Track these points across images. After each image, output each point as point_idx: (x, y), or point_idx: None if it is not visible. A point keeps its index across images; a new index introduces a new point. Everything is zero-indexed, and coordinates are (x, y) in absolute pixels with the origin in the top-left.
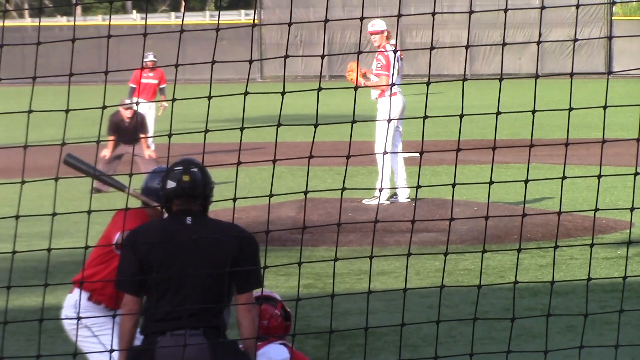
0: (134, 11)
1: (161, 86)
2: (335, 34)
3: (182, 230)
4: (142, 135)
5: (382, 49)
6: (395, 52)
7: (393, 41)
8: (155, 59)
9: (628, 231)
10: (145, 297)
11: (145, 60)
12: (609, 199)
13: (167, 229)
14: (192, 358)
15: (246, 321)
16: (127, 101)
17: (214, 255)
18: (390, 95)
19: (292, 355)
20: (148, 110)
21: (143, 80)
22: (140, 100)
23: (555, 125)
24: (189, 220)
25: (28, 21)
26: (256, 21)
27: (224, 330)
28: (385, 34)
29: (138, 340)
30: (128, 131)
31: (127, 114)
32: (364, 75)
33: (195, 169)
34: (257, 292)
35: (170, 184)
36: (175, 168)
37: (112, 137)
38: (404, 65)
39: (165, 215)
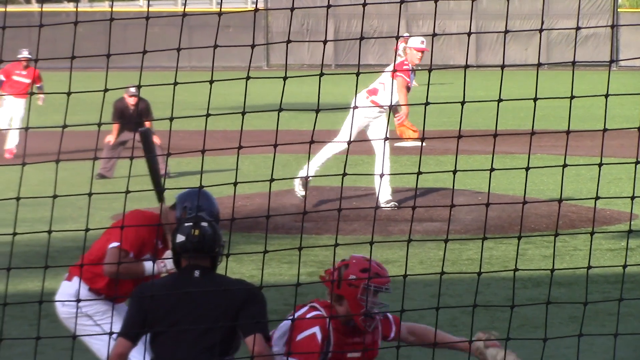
0: None
1: (38, 85)
2: (341, 23)
3: (189, 284)
4: (146, 121)
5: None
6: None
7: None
8: (29, 56)
9: (633, 223)
10: (151, 348)
11: (19, 56)
12: (613, 190)
13: (175, 283)
14: None
15: None
16: (132, 89)
17: (219, 308)
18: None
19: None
20: (16, 107)
21: (15, 77)
22: (5, 94)
23: (560, 117)
24: (197, 273)
25: (35, 7)
26: (261, 8)
27: None
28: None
29: None
30: (132, 117)
31: (131, 101)
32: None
33: (206, 225)
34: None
35: (180, 238)
36: (186, 223)
37: (116, 123)
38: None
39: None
